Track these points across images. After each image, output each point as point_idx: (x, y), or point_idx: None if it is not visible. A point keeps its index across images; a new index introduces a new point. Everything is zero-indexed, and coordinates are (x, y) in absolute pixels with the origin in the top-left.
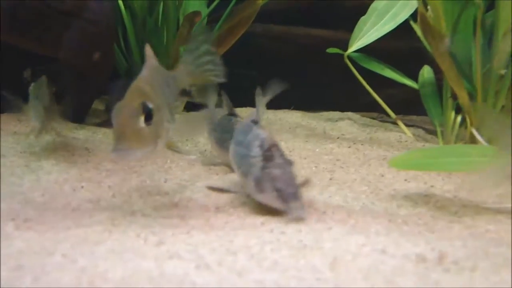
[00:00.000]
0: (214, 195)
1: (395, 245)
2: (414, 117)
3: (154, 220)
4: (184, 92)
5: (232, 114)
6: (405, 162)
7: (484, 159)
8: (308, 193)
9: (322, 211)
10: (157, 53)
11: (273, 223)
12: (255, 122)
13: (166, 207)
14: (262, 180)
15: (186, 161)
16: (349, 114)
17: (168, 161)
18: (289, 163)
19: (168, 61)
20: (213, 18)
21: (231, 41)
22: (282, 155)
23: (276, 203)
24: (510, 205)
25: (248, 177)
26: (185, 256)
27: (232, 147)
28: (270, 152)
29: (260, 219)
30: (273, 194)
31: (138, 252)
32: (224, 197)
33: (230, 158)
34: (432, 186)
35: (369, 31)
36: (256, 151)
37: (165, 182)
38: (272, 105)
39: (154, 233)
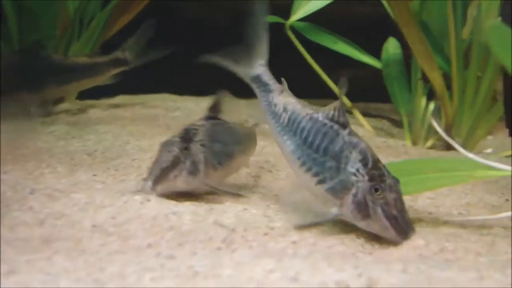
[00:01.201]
0: (92, 209)
1: (312, 271)
2: (381, 105)
3: (8, 244)
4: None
5: None
6: None
7: (442, 175)
8: (218, 205)
9: (231, 228)
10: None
11: (163, 245)
12: (344, 125)
13: (27, 226)
14: (369, 204)
15: (67, 165)
16: None
17: (44, 165)
18: (397, 181)
19: (55, 30)
20: None
21: (138, 7)
22: (388, 172)
23: (389, 233)
24: (478, 218)
25: (341, 197)
26: None
27: (292, 143)
28: (378, 170)
29: (148, 240)
30: (385, 223)
31: None
32: (104, 213)
33: (287, 153)
34: None
35: None
36: (356, 166)
37: (31, 193)
38: (190, 90)
39: (3, 261)
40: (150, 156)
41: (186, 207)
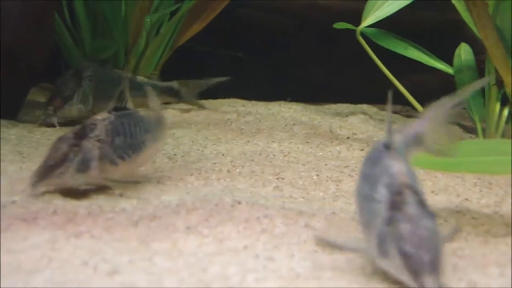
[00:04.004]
0: (184, 211)
1: None
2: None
3: (106, 244)
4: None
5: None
6: (430, 159)
7: None
8: (305, 207)
9: (324, 232)
10: (113, 27)
11: (259, 247)
12: (387, 146)
13: (122, 227)
14: (385, 239)
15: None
16: (364, 107)
17: None
18: (429, 215)
19: (127, 37)
20: None
21: (211, 15)
22: (419, 201)
23: (402, 275)
24: None
25: (370, 232)
26: None
27: (357, 183)
28: (400, 197)
29: (243, 242)
30: (398, 261)
31: (84, 284)
32: (197, 215)
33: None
34: (466, 200)
35: None
36: (382, 193)
37: (121, 196)
38: (264, 95)
39: (105, 260)
40: (230, 160)
41: (276, 211)
